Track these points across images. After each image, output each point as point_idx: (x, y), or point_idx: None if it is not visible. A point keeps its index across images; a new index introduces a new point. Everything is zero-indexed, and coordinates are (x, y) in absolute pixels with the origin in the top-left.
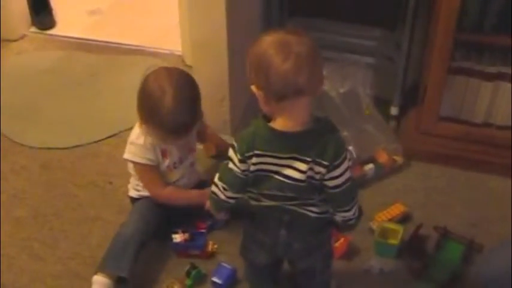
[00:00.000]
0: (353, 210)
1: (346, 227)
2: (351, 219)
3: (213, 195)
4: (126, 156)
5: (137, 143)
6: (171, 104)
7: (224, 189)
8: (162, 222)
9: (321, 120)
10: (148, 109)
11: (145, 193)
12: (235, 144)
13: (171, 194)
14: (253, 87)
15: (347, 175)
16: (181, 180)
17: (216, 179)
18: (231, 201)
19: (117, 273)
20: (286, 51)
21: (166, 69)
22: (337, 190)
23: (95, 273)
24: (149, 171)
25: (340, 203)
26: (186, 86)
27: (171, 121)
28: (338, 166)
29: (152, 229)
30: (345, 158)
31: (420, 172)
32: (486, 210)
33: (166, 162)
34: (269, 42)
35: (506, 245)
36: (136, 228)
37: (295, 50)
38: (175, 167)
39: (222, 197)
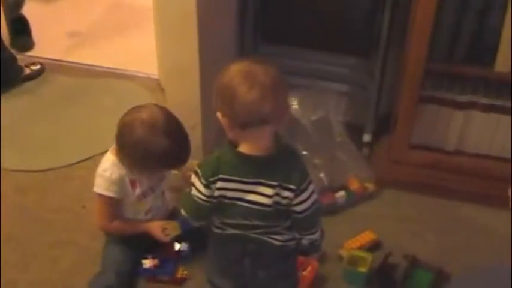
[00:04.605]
0: (319, 231)
1: (313, 249)
2: (317, 240)
3: None
4: (94, 189)
5: (104, 175)
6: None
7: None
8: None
9: (284, 146)
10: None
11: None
12: (199, 170)
13: (118, 227)
14: (218, 114)
15: (313, 197)
16: (152, 211)
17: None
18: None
19: None
20: (251, 81)
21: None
22: (305, 214)
23: None
24: (108, 204)
25: (308, 226)
26: None
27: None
28: (305, 189)
29: (128, 277)
30: (310, 181)
31: (391, 200)
32: (457, 238)
33: (136, 191)
34: (235, 71)
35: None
36: (114, 280)
37: (260, 80)
38: (145, 197)
39: None
